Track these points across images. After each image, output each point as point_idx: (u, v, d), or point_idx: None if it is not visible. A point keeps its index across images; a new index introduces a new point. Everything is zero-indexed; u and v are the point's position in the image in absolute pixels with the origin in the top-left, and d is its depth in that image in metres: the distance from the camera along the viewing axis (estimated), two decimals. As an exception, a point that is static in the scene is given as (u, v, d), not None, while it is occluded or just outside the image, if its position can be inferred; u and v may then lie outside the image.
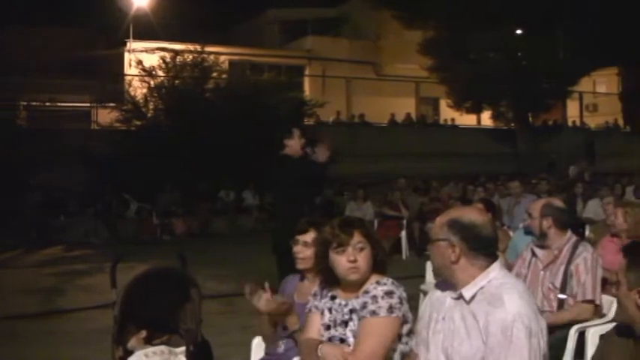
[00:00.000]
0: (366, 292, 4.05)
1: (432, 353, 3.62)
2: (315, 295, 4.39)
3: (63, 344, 8.89)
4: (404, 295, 4.07)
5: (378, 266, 4.17)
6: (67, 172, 21.84)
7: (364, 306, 3.99)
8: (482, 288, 3.48)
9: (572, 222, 6.71)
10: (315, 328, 4.26)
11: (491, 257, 3.56)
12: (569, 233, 6.08)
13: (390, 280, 4.12)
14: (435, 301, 3.72)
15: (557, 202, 6.41)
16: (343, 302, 4.15)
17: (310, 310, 4.36)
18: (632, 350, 3.25)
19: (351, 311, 4.07)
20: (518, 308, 3.33)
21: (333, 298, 4.23)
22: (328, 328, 4.19)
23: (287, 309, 4.72)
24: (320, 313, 4.26)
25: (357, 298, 4.08)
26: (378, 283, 4.07)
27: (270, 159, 9.69)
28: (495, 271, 3.53)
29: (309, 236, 4.88)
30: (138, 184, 22.56)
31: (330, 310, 4.21)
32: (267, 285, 4.85)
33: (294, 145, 8.71)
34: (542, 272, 5.96)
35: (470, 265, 3.52)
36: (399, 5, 33.64)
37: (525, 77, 32.02)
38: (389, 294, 3.99)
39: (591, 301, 5.70)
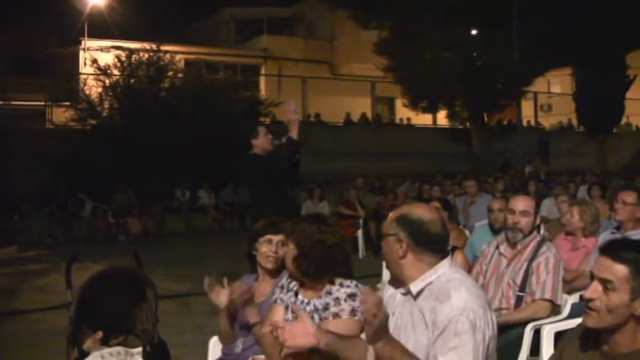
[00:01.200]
0: (329, 292, 4.05)
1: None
2: (282, 287, 4.39)
3: (17, 346, 8.82)
4: None
5: (306, 274, 4.19)
6: (22, 171, 21.64)
7: (326, 307, 3.98)
8: (430, 283, 3.48)
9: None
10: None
11: (440, 254, 3.56)
12: (535, 231, 6.16)
13: (354, 282, 4.11)
14: (389, 298, 3.71)
15: None
16: (305, 300, 4.15)
17: (275, 302, 4.37)
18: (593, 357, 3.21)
19: (312, 311, 4.07)
20: (464, 303, 3.34)
21: (296, 294, 4.24)
22: (290, 324, 4.20)
23: (249, 298, 4.72)
24: (284, 307, 4.27)
25: (319, 297, 4.08)
26: (341, 285, 4.07)
27: (240, 160, 9.51)
28: (444, 267, 3.52)
29: (283, 235, 4.87)
30: (93, 183, 22.39)
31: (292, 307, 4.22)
32: (225, 281, 4.89)
33: (261, 143, 8.53)
34: (505, 269, 5.98)
35: (417, 261, 3.52)
36: (354, 5, 33.62)
37: (480, 77, 32.19)
38: (352, 296, 3.98)
39: (550, 301, 5.73)
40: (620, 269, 3.03)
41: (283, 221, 4.98)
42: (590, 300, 3.10)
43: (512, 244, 6.05)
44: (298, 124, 8.45)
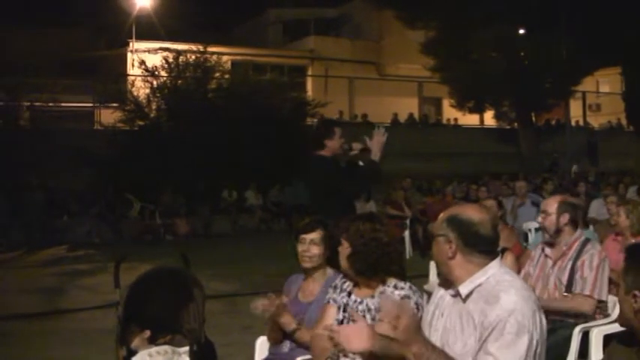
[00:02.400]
0: (382, 293, 4.05)
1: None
2: (334, 287, 4.41)
3: (65, 344, 8.89)
4: (420, 301, 4.07)
5: (360, 271, 4.19)
6: (70, 172, 21.86)
7: (379, 308, 3.97)
8: (479, 285, 3.47)
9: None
10: (329, 322, 4.30)
11: (489, 255, 3.53)
12: (579, 231, 6.11)
13: (408, 284, 4.14)
14: (439, 299, 3.70)
15: (573, 200, 6.42)
16: (358, 299, 4.17)
17: (328, 302, 4.40)
18: (636, 358, 3.21)
19: (365, 310, 4.07)
20: (513, 305, 3.32)
21: (349, 294, 4.25)
22: (341, 323, 4.21)
23: (280, 308, 4.70)
24: (337, 308, 4.27)
25: (372, 297, 4.08)
26: (395, 286, 4.08)
27: (304, 161, 9.20)
28: (494, 269, 3.50)
29: (317, 234, 4.87)
30: (140, 184, 22.55)
31: (345, 307, 4.22)
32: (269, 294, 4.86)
33: (334, 144, 8.11)
34: (551, 269, 5.96)
35: (466, 262, 3.50)
36: (401, 5, 33.52)
37: (528, 77, 31.92)
38: (405, 298, 3.99)
39: (590, 297, 5.69)
40: (622, 264, 3.20)
41: (320, 221, 4.99)
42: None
43: (555, 245, 6.06)
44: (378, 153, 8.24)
